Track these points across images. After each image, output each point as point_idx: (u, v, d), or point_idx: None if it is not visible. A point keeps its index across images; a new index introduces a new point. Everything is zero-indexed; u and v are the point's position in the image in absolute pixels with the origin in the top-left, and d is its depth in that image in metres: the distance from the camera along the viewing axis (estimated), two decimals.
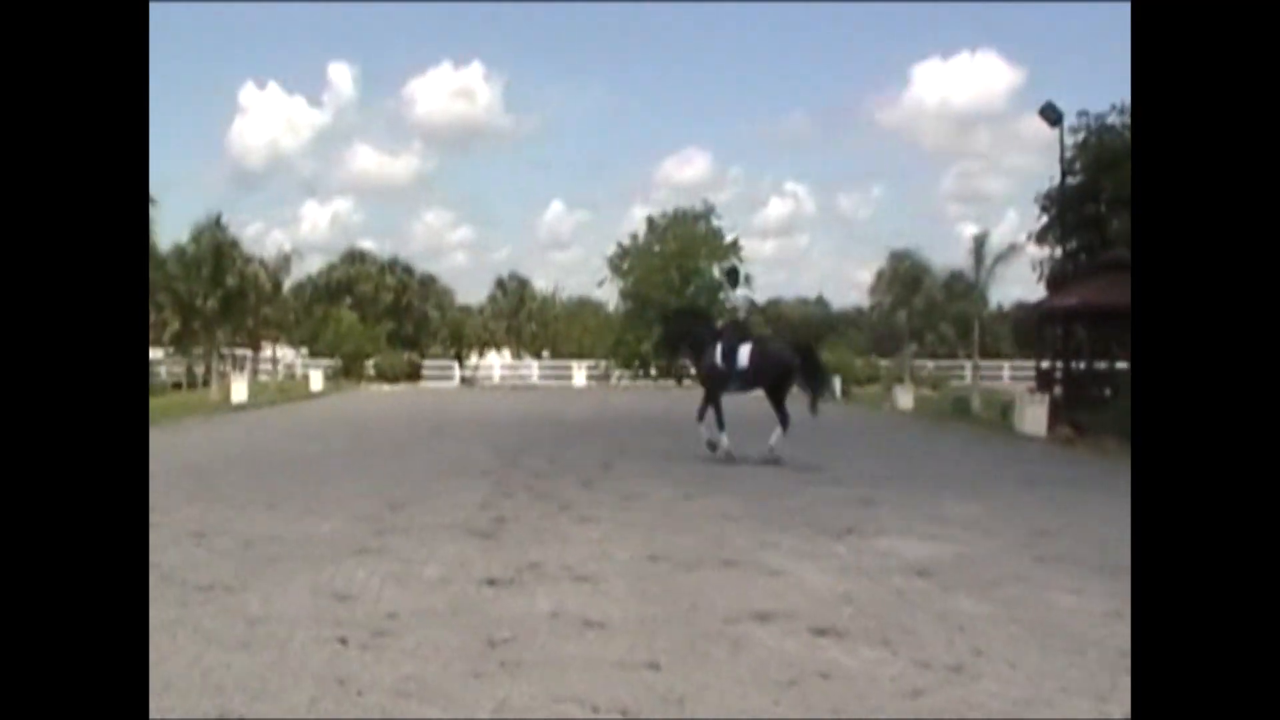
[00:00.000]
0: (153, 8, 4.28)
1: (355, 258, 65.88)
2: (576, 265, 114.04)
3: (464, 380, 56.42)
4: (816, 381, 15.53)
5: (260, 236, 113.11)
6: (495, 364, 62.32)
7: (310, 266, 69.42)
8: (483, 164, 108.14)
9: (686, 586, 7.04)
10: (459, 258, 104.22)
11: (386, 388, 50.95)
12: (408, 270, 66.87)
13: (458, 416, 26.73)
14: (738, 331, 15.97)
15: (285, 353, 57.46)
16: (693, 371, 18.40)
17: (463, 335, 65.23)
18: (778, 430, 14.90)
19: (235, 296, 37.35)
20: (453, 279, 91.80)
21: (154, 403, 27.31)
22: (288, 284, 44.02)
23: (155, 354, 41.78)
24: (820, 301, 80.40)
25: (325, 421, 24.77)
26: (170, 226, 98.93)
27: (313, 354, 57.09)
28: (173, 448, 16.53)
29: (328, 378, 48.17)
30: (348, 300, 62.69)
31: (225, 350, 40.25)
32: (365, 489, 11.75)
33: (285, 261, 40.33)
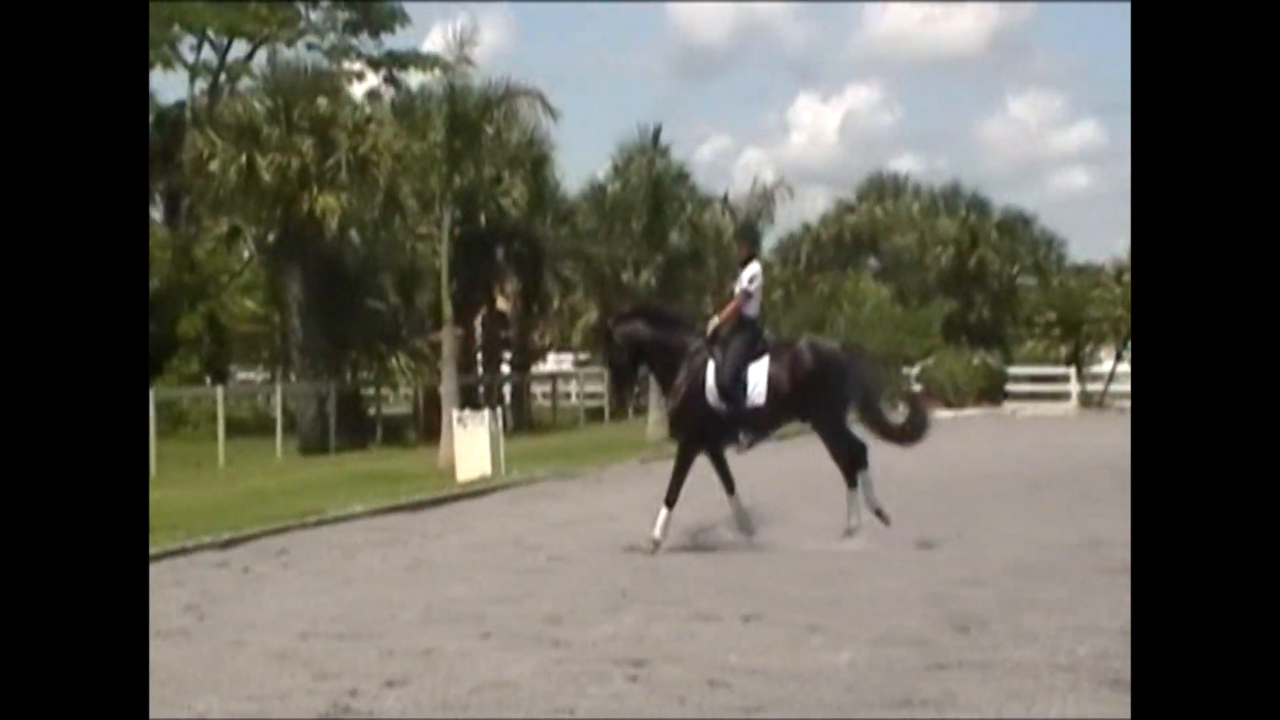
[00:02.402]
0: None
1: (884, 188, 49.06)
2: None
3: (1090, 400, 39.36)
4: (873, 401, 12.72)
5: (721, 159, 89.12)
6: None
7: (806, 207, 53.29)
8: None
9: None
10: (1073, 177, 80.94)
11: (945, 414, 33.03)
12: (981, 207, 49.69)
13: None
14: (743, 336, 12.12)
15: None
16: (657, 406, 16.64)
17: (1080, 321, 42.34)
18: (860, 486, 11.99)
19: (684, 264, 29.94)
20: (1054, 217, 68.31)
21: (561, 441, 25.41)
22: (770, 238, 38.06)
23: (562, 362, 30.86)
24: None
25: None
26: (579, 147, 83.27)
27: None
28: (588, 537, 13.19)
29: None
30: (870, 262, 47.61)
31: None
32: None
33: (766, 202, 31.17)
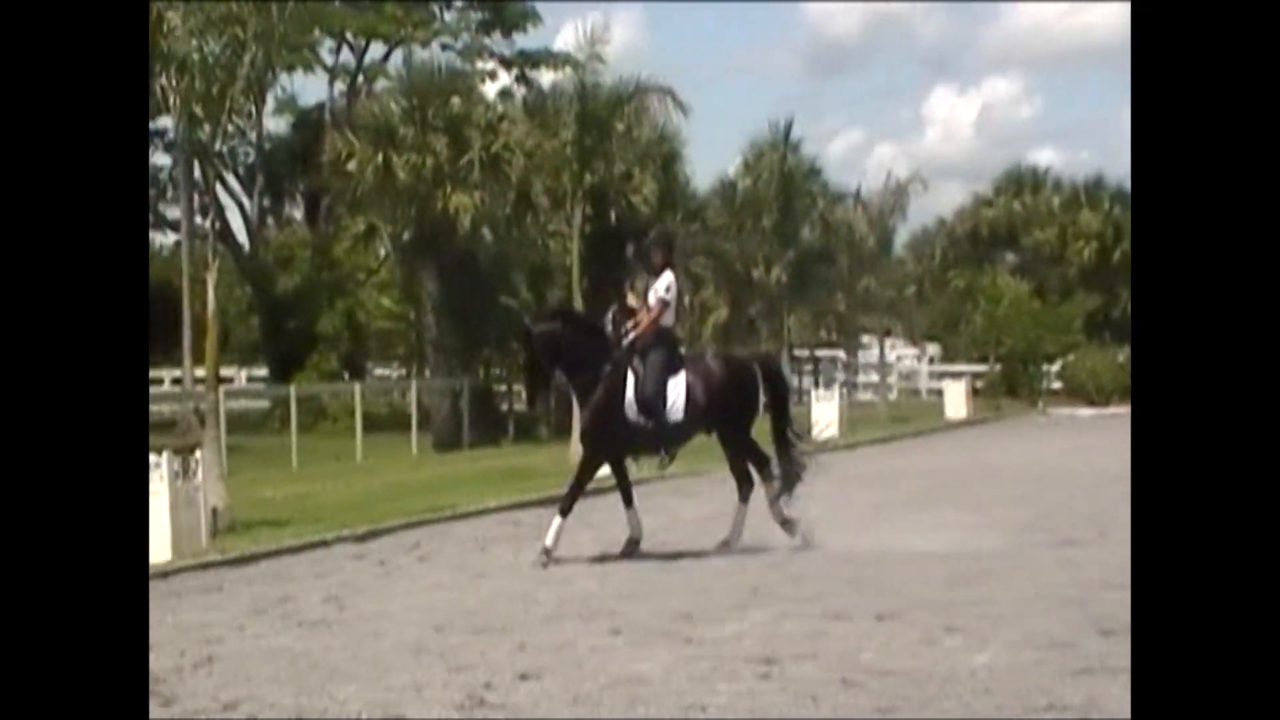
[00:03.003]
0: None
1: (1022, 182, 48.19)
2: None
3: None
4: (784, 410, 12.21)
5: (854, 154, 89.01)
6: None
7: (941, 201, 52.48)
8: None
9: None
10: None
11: (1086, 411, 32.36)
12: (1125, 200, 48.45)
13: None
14: (663, 348, 11.66)
15: (902, 351, 48.38)
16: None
17: None
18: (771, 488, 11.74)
19: (815, 260, 30.00)
20: None
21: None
22: (902, 235, 36.78)
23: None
24: None
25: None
26: (709, 143, 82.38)
27: (947, 354, 46.86)
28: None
29: (976, 393, 37.11)
30: (1008, 257, 47.00)
31: (801, 349, 35.29)
32: None
33: (899, 198, 30.99)
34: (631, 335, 11.78)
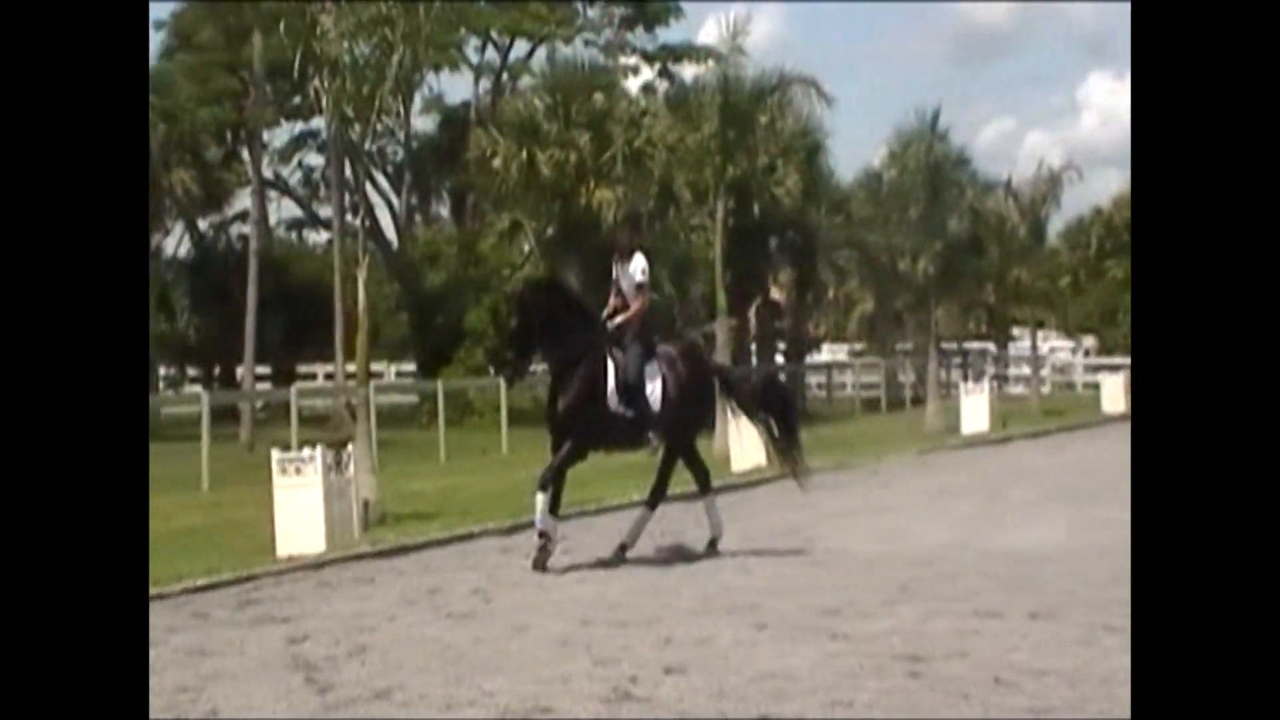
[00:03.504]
0: None
1: None
2: None
3: None
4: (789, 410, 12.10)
5: (1004, 143, 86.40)
6: None
7: (1097, 189, 51.54)
8: None
9: None
10: None
11: None
12: None
13: None
14: (641, 335, 11.17)
15: (1055, 344, 47.25)
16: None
17: None
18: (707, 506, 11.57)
19: (964, 252, 29.20)
20: None
21: (836, 432, 24.51)
22: (1056, 224, 36.17)
23: (837, 352, 30.72)
24: None
25: None
26: (854, 134, 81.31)
27: (1104, 346, 45.65)
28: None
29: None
30: None
31: (949, 342, 34.55)
32: None
33: (1052, 186, 30.89)
34: (619, 321, 11.13)
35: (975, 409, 25.80)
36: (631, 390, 10.94)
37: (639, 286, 11.27)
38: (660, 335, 30.99)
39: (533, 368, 12.82)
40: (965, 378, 33.39)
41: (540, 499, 10.80)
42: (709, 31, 43.56)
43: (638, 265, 11.28)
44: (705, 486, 11.73)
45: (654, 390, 11.07)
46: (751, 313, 33.75)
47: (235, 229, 39.41)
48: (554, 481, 10.88)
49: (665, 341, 12.25)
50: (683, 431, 11.50)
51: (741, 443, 19.63)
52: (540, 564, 10.55)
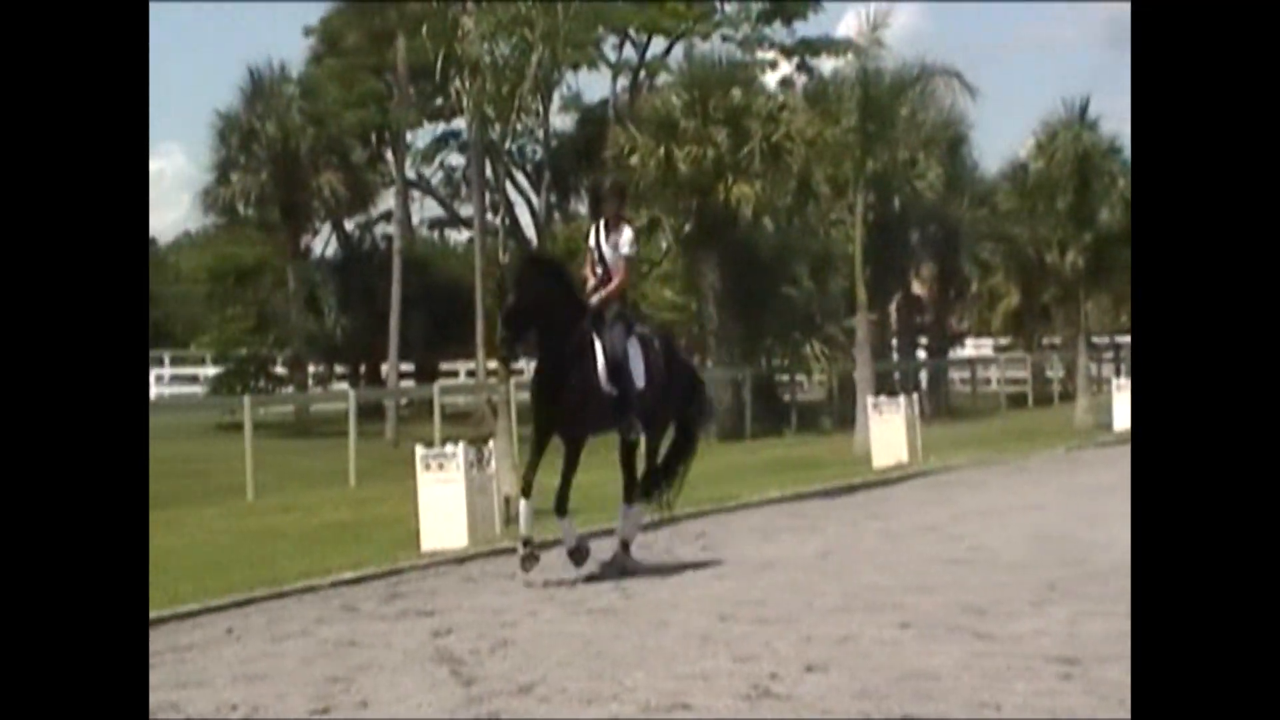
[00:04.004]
0: None
1: None
2: None
3: None
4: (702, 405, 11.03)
5: None
6: None
7: None
8: None
9: None
10: None
11: None
12: None
13: None
14: (622, 310, 10.47)
15: None
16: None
17: None
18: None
19: (1115, 243, 27.33)
20: None
21: (980, 428, 25.34)
22: None
23: (981, 347, 30.20)
24: None
25: None
26: (998, 125, 79.71)
27: None
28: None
29: None
30: None
31: (1100, 336, 33.28)
32: None
33: None
34: (604, 294, 10.30)
35: (1128, 404, 25.01)
36: (618, 368, 10.20)
37: (627, 259, 10.59)
38: (801, 329, 30.72)
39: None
40: (1117, 372, 32.40)
41: (524, 505, 10.19)
42: (848, 24, 43.17)
43: (627, 237, 10.62)
44: (629, 494, 10.76)
45: (637, 369, 10.33)
46: (892, 307, 33.31)
47: (380, 229, 40.23)
48: (566, 497, 10.29)
49: (641, 323, 11.40)
50: (660, 420, 10.76)
51: (885, 440, 19.42)
52: (527, 568, 10.01)
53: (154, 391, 43.23)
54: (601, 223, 10.73)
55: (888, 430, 19.45)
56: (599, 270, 10.49)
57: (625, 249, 10.56)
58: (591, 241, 10.63)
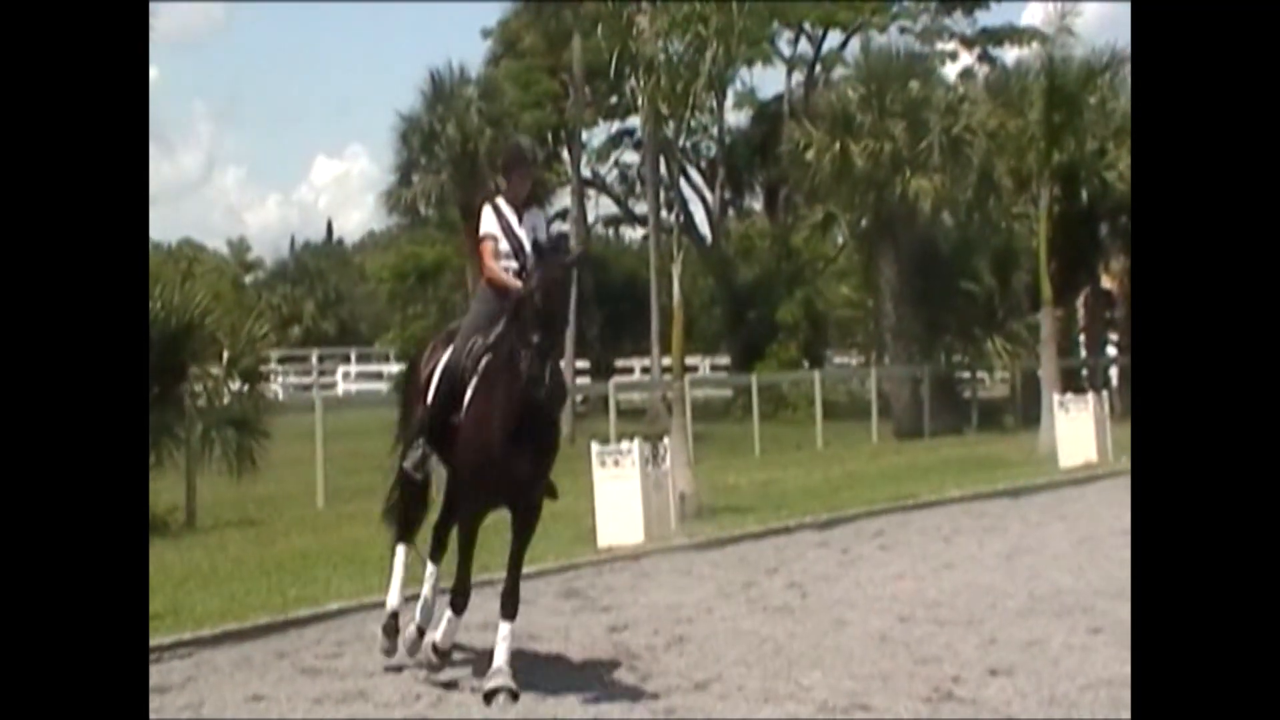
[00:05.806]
0: None
1: None
2: None
3: None
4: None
5: None
6: None
7: None
8: None
9: None
10: None
11: None
12: None
13: None
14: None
15: None
16: None
17: None
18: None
19: None
20: None
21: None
22: None
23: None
24: None
25: None
26: None
27: None
28: None
29: None
30: None
31: None
32: None
33: None
34: (528, 285, 7.27)
35: None
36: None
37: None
38: (982, 325, 29.90)
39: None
40: None
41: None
42: (1032, 13, 42.13)
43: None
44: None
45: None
46: (1080, 303, 32.29)
47: (556, 227, 40.76)
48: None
49: None
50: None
51: (1072, 439, 18.86)
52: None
53: (340, 388, 44.67)
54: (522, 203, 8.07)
55: (1076, 429, 18.84)
56: (520, 258, 7.78)
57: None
58: (500, 223, 7.92)
